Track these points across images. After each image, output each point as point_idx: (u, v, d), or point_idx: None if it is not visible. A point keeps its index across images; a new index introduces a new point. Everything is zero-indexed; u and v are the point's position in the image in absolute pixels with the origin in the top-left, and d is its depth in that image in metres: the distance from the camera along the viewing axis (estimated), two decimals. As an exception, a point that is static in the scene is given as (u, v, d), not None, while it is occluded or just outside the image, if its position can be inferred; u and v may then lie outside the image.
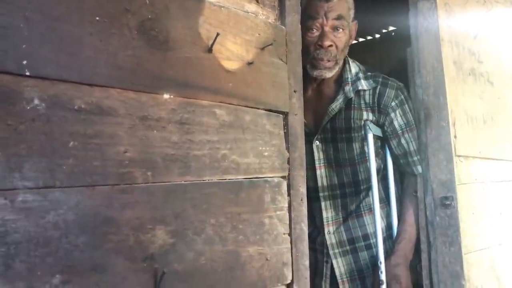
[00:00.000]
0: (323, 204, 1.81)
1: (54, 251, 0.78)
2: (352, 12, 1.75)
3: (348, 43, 1.75)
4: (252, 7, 1.17)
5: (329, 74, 1.72)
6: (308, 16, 1.66)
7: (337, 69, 1.74)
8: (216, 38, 1.03)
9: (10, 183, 0.74)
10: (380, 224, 1.74)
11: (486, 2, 2.14)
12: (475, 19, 2.03)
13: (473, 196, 1.79)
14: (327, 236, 1.80)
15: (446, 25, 1.81)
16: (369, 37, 4.44)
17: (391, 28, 4.28)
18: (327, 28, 1.67)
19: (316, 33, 1.68)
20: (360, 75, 1.78)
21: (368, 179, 1.77)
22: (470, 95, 1.89)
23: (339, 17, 1.68)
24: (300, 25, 1.30)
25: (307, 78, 1.77)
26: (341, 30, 1.70)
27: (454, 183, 1.68)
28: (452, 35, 1.84)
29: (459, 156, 1.74)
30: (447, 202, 1.68)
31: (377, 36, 4.43)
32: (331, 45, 1.68)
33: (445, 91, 1.73)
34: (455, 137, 1.74)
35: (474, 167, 1.83)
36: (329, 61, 1.69)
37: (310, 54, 1.69)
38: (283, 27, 1.24)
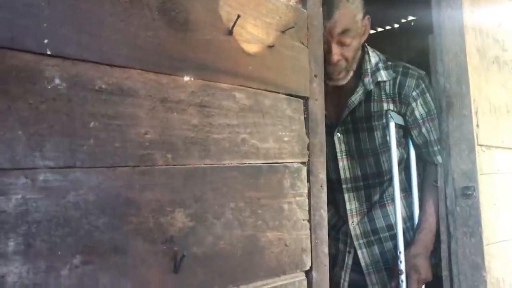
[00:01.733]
0: (346, 196, 1.80)
1: (75, 231, 0.78)
2: (360, 15, 1.65)
3: (359, 46, 1.69)
4: (273, -10, 1.15)
5: (343, 82, 1.69)
6: None
7: (351, 74, 1.70)
8: (236, 20, 1.02)
9: (31, 162, 0.74)
10: (400, 214, 1.72)
11: (511, -12, 2.08)
12: (500, 6, 1.98)
13: (495, 187, 1.75)
14: (351, 227, 1.79)
15: (470, 12, 1.76)
16: (388, 27, 4.37)
17: (410, 18, 4.21)
18: (333, 44, 1.59)
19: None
20: (380, 65, 1.75)
21: (391, 169, 1.75)
22: (494, 84, 1.84)
23: (344, 31, 1.59)
24: (321, 8, 1.27)
25: None
26: (348, 41, 1.62)
27: (475, 173, 1.65)
28: (476, 22, 1.79)
29: (481, 145, 1.70)
30: (468, 192, 1.64)
31: (396, 26, 4.35)
32: (339, 60, 1.62)
33: (468, 79, 1.68)
34: (477, 126, 1.70)
35: (497, 157, 1.79)
36: (340, 73, 1.66)
37: None
38: (305, 10, 1.22)
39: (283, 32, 1.14)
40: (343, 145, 1.78)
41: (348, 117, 1.75)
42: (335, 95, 1.76)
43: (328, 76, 1.62)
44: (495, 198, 1.74)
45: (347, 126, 1.77)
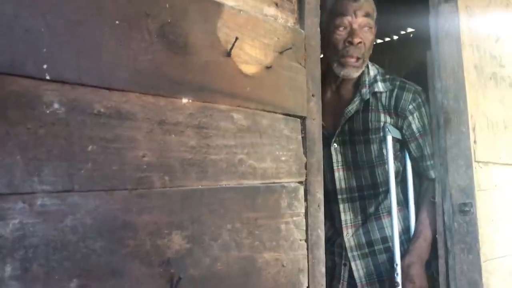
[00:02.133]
0: (341, 206, 1.81)
1: (72, 255, 0.78)
2: (375, 14, 1.76)
3: (373, 43, 1.76)
4: (271, 11, 1.16)
5: (356, 74, 1.73)
6: (336, 14, 1.69)
7: (363, 68, 1.74)
8: (235, 42, 1.03)
9: (29, 187, 0.75)
10: (397, 227, 1.73)
11: (509, 4, 2.10)
12: (497, 22, 2.00)
13: (493, 203, 1.76)
14: (345, 239, 1.80)
15: (467, 28, 1.77)
16: (387, 39, 4.40)
17: (409, 29, 4.23)
18: (356, 26, 1.69)
19: (344, 31, 1.69)
20: (378, 77, 1.78)
21: (386, 182, 1.76)
22: (491, 100, 1.85)
23: (367, 15, 1.70)
24: (319, 29, 1.29)
25: (326, 81, 1.77)
26: (368, 28, 1.71)
27: (473, 189, 1.65)
28: (473, 38, 1.81)
29: (478, 162, 1.71)
30: (466, 209, 1.65)
31: (396, 37, 4.38)
32: (360, 42, 1.68)
33: (465, 96, 1.69)
34: (475, 142, 1.70)
35: (494, 173, 1.80)
36: (358, 59, 1.70)
37: (339, 52, 1.70)
38: (302, 30, 1.23)
39: (280, 53, 1.15)
40: (339, 156, 1.80)
41: (345, 127, 1.77)
42: (333, 106, 1.78)
43: (344, 61, 1.70)
44: (493, 214, 1.75)
45: (344, 137, 1.79)
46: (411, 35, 4.32)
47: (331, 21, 1.69)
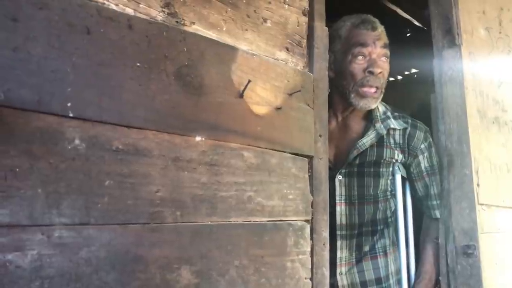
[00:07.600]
0: (339, 243, 1.73)
1: (85, 286, 0.80)
2: None
3: (389, 73, 1.77)
4: (283, 55, 1.22)
5: (374, 105, 1.73)
6: (355, 43, 1.70)
7: (379, 100, 1.75)
8: (247, 84, 1.07)
9: (48, 219, 0.78)
10: (405, 264, 1.73)
11: (511, 51, 2.16)
12: (500, 68, 2.05)
13: (496, 246, 1.77)
14: (338, 277, 1.72)
15: (470, 73, 1.83)
16: (391, 78, 4.48)
17: (413, 70, 4.32)
18: (375, 56, 1.70)
19: (363, 60, 1.70)
20: (389, 114, 1.79)
21: (385, 219, 1.77)
22: (494, 144, 1.89)
23: (385, 46, 1.72)
24: (327, 72, 1.33)
25: (331, 112, 1.77)
26: (386, 58, 1.73)
27: (476, 232, 1.67)
28: (477, 83, 1.86)
29: (482, 204, 1.73)
30: (469, 251, 1.66)
31: (400, 77, 4.46)
32: (381, 72, 1.69)
33: (469, 139, 1.73)
34: (478, 185, 1.73)
35: (498, 216, 1.81)
36: (377, 89, 1.70)
37: (358, 81, 1.69)
38: (311, 74, 1.28)
39: (290, 94, 1.20)
40: (343, 189, 1.74)
41: (356, 160, 1.73)
42: (338, 138, 1.78)
43: (362, 92, 1.69)
44: (496, 258, 1.75)
45: (351, 169, 1.74)
46: (415, 76, 4.41)
47: (348, 50, 1.69)
